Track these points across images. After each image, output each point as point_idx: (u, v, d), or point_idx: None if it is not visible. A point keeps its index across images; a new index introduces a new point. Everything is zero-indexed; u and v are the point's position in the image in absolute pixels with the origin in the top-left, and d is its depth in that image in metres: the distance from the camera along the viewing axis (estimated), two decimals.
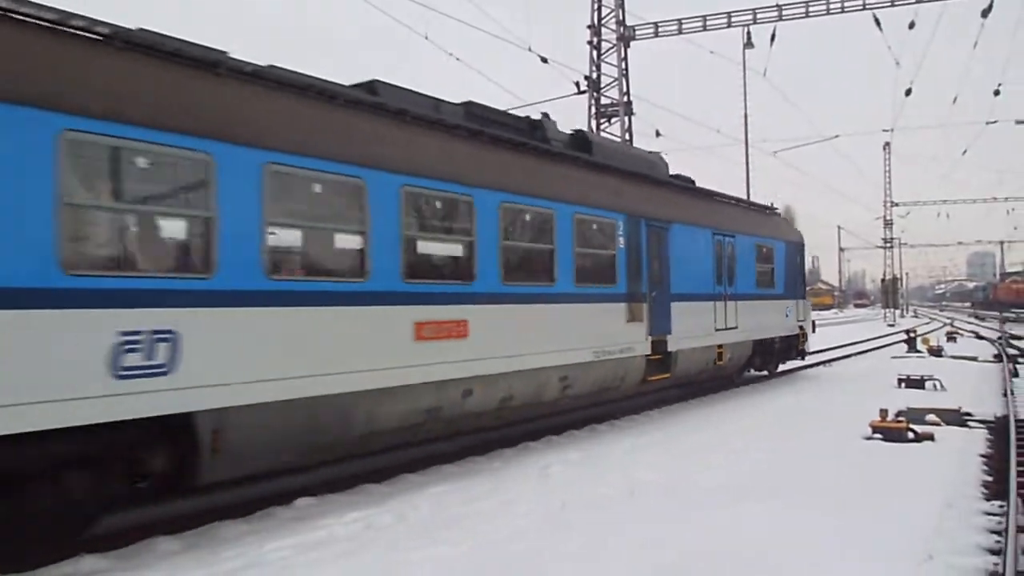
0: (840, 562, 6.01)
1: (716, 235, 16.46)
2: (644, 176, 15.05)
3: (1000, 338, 36.32)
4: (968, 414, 13.11)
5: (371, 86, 10.28)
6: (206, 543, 7.13)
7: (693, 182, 17.44)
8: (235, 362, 7.19)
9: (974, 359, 25.18)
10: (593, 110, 27.39)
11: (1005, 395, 15.90)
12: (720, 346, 16.40)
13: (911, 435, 11.00)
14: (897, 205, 72.27)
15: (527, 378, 10.98)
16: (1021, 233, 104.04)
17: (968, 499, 8.04)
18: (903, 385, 17.28)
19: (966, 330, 45.61)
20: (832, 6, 25.56)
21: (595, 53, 27.34)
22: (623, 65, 27.17)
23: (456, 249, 10.10)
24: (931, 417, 12.21)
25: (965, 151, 61.26)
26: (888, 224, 70.34)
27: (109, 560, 6.72)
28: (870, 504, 7.62)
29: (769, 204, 21.64)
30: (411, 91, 10.78)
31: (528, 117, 13.30)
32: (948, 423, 12.22)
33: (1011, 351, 28.32)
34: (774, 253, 19.47)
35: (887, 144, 68.69)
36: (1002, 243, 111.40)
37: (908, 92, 30.32)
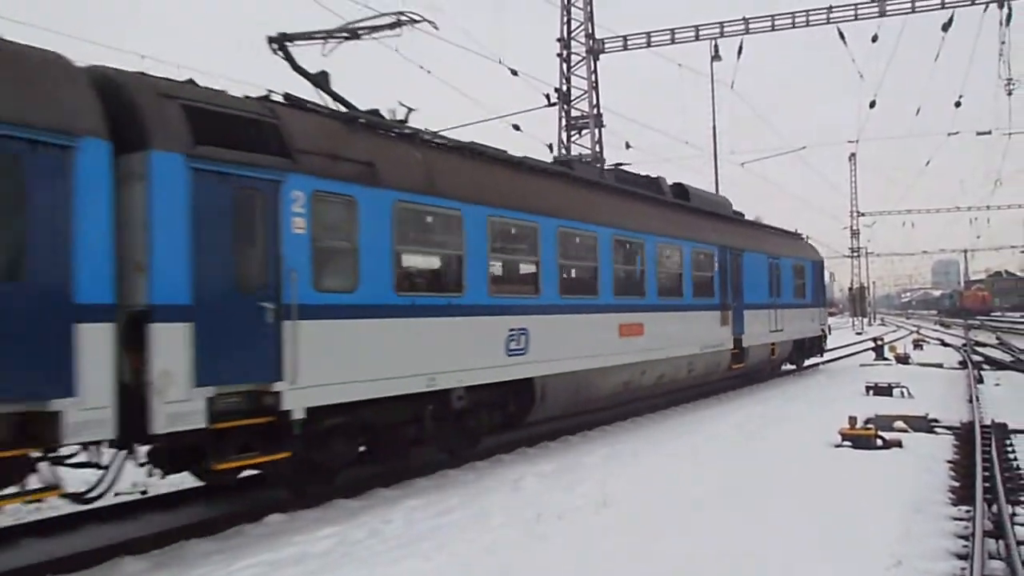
0: (811, 567, 6.07)
1: (769, 258, 21.64)
2: (722, 215, 20.06)
3: (965, 345, 36.94)
4: (935, 421, 13.31)
5: (568, 163, 15.94)
6: (174, 562, 7.02)
7: (743, 215, 22.33)
8: (550, 350, 12.01)
9: (940, 366, 25.57)
10: (563, 122, 27.52)
11: (970, 401, 16.16)
12: (773, 344, 21.50)
13: (879, 442, 11.14)
14: (863, 215, 73.27)
15: (672, 363, 15.89)
16: (984, 242, 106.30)
17: (936, 504, 8.16)
18: (871, 392, 17.50)
19: (932, 337, 46.33)
20: (797, 20, 25.94)
21: (565, 66, 27.50)
22: (593, 78, 27.34)
23: (636, 274, 15.08)
24: (899, 424, 12.38)
25: (928, 162, 62.20)
26: (855, 234, 71.27)
27: None
28: (840, 510, 7.69)
29: (795, 230, 26.71)
30: (589, 164, 18.25)
31: (649, 176, 17.75)
32: (916, 430, 12.40)
33: (976, 358, 28.82)
34: (804, 270, 24.73)
35: (853, 155, 69.69)
36: (965, 251, 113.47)
37: (872, 104, 30.79)
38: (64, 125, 6.29)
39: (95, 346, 6.37)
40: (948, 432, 12.63)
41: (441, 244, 10.65)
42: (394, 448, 10.06)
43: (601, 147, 27.42)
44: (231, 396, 7.60)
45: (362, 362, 8.96)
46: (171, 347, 7.01)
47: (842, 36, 25.63)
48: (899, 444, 11.18)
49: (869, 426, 11.77)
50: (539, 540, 6.98)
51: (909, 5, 24.54)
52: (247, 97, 8.61)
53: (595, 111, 27.28)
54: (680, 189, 18.52)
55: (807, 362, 26.05)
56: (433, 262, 10.80)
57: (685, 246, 16.61)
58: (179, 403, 7.01)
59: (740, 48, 27.38)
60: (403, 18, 10.36)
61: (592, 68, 27.38)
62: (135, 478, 10.42)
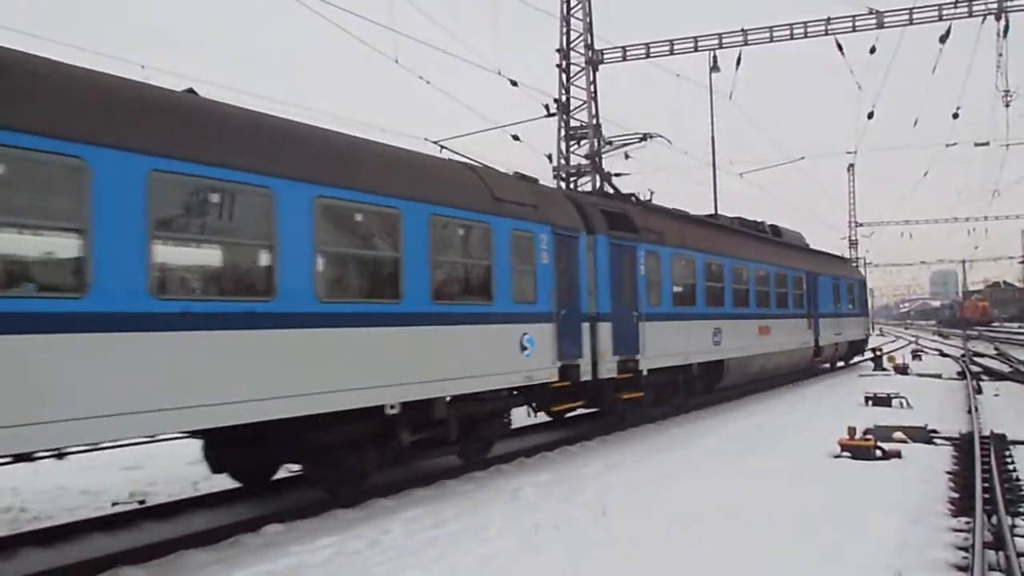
0: None
1: (833, 279, 28.84)
2: (802, 247, 27.70)
3: (964, 356, 36.92)
4: (934, 431, 13.30)
5: (715, 216, 22.64)
6: (172, 572, 7.01)
7: (805, 242, 28.73)
8: (730, 343, 18.58)
9: (939, 376, 25.56)
10: (563, 132, 27.58)
11: (969, 412, 16.15)
12: (836, 343, 28.76)
13: (879, 453, 11.12)
14: (861, 225, 73.32)
15: (783, 355, 22.91)
16: (982, 252, 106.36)
17: (935, 515, 8.14)
18: (870, 403, 17.49)
19: (931, 348, 46.31)
20: (796, 31, 26.03)
21: (564, 76, 27.57)
22: (592, 88, 27.42)
23: (766, 293, 21.68)
24: (898, 435, 12.36)
25: (926, 172, 62.34)
26: (853, 244, 71.33)
27: None
28: (839, 521, 7.68)
29: (841, 254, 35.89)
30: (722, 215, 23.82)
31: (756, 221, 24.76)
32: (915, 440, 12.38)
33: (974, 368, 28.81)
34: (854, 288, 32.46)
35: (851, 165, 69.86)
36: (963, 262, 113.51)
37: (871, 115, 30.88)
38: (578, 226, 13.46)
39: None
40: (947, 443, 12.62)
41: (686, 277, 17.07)
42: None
43: (600, 157, 27.49)
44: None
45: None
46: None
47: (840, 48, 25.73)
48: (898, 455, 11.16)
49: (868, 437, 11.76)
50: (537, 550, 6.96)
51: (907, 17, 24.63)
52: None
53: (594, 121, 27.35)
54: (775, 229, 25.61)
55: (854, 359, 33.71)
56: (716, 290, 18.48)
57: (788, 272, 23.69)
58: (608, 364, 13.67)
59: (739, 59, 27.48)
60: (648, 135, 18.82)
61: (591, 79, 27.46)
62: (132, 487, 10.44)
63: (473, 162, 12.36)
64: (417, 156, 10.82)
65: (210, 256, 7.59)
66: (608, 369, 13.57)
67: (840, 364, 32.25)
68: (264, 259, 7.81)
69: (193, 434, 7.93)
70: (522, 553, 6.92)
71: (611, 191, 17.36)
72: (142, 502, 9.43)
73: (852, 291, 31.72)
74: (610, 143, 19.09)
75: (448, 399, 10.24)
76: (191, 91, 8.09)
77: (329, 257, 8.55)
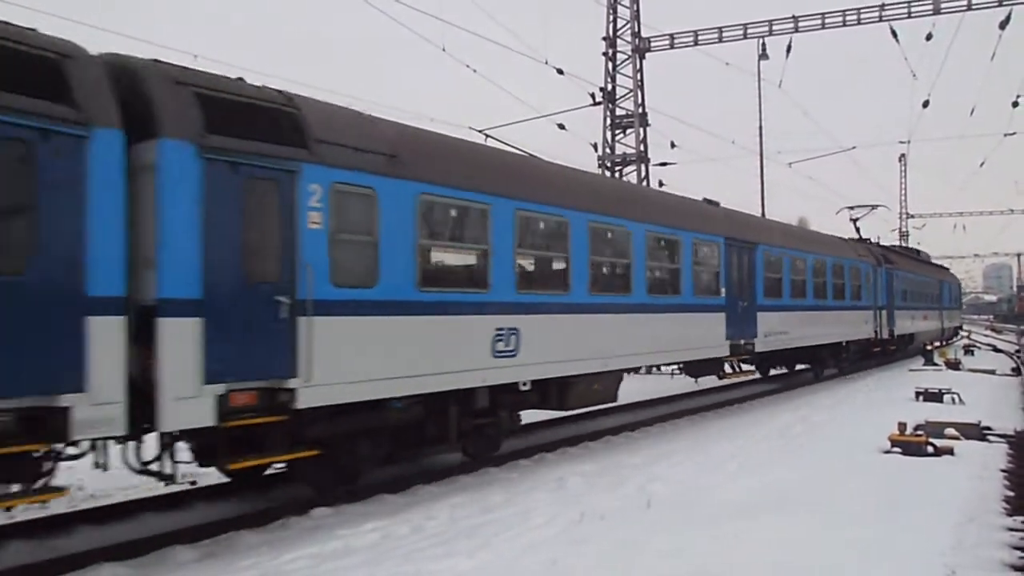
0: None
1: (948, 286, 39.92)
2: (936, 266, 39.18)
3: (1018, 351, 35.97)
4: (987, 428, 12.99)
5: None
6: (223, 552, 7.16)
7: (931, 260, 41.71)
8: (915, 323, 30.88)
9: (992, 372, 24.95)
10: (608, 121, 27.42)
11: None
12: (945, 327, 38.52)
13: (930, 449, 10.90)
14: (913, 217, 71.82)
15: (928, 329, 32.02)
16: None
17: (990, 514, 7.95)
18: (921, 398, 17.12)
19: (983, 343, 45.19)
20: (848, 18, 25.50)
21: (610, 65, 27.39)
22: (638, 76, 27.20)
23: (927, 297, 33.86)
24: (950, 431, 12.09)
25: (983, 163, 60.57)
26: (904, 236, 69.75)
27: (128, 568, 6.76)
28: (890, 518, 7.55)
29: (930, 258, 43.83)
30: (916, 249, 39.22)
31: (915, 250, 38.63)
32: (967, 437, 12.10)
33: None
34: (954, 288, 43.54)
35: (903, 156, 68.35)
36: (1019, 255, 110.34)
37: (926, 104, 30.22)
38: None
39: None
40: (1001, 440, 12.32)
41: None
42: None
43: (646, 146, 27.27)
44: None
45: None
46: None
47: (895, 34, 25.18)
48: (951, 452, 10.93)
49: (919, 432, 11.53)
50: (581, 541, 6.96)
51: (965, 3, 23.95)
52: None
53: (640, 110, 27.14)
54: (926, 255, 38.97)
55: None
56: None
57: (935, 285, 37.26)
58: None
59: (789, 47, 27.04)
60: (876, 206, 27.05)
61: (638, 67, 27.24)
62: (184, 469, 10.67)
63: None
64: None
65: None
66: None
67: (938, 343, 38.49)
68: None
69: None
70: (567, 542, 6.93)
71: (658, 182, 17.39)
72: (193, 483, 9.63)
73: (952, 291, 45.81)
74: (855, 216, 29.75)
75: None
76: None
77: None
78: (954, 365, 26.56)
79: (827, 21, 25.91)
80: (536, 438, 13.06)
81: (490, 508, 8.35)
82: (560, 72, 24.53)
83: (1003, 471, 10.09)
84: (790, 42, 26.80)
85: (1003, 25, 23.44)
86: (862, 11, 25.21)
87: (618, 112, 27.52)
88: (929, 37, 25.20)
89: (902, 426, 11.40)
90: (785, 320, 18.65)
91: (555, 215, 11.31)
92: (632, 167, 27.36)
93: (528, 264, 11.18)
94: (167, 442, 7.17)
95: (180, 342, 6.68)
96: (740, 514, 7.71)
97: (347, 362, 8.11)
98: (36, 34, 6.34)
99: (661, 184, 15.79)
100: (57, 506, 8.42)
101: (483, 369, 9.89)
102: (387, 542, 7.22)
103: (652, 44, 27.53)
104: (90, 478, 10.00)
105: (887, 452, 11.04)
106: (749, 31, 26.90)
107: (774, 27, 26.51)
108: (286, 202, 7.62)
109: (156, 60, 7.28)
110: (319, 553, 6.88)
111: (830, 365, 24.28)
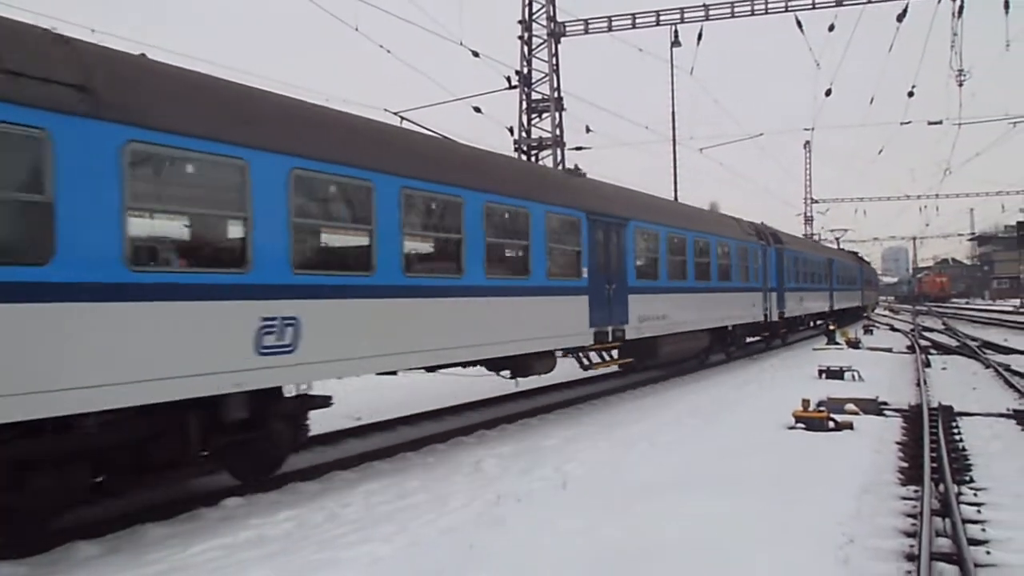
0: (765, 547, 6.18)
1: (860, 269, 52.27)
2: (858, 258, 56.89)
3: (913, 330, 37.85)
4: (885, 403, 13.64)
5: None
6: (128, 547, 6.92)
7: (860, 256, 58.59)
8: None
9: (889, 350, 26.15)
10: (524, 105, 27.45)
11: (918, 385, 16.58)
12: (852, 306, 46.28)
13: (831, 424, 11.38)
14: (817, 202, 74.58)
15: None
16: (932, 229, 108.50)
17: (886, 484, 8.37)
18: (823, 376, 17.83)
19: (882, 323, 47.37)
20: (756, 7, 26.15)
21: (526, 49, 27.40)
22: (554, 61, 27.29)
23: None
24: (850, 407, 12.64)
25: (881, 150, 63.69)
26: (809, 220, 72.47)
27: (25, 567, 6.46)
28: (794, 491, 7.85)
29: (853, 252, 55.85)
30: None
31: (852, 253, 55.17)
32: (866, 412, 12.68)
33: (923, 343, 29.55)
34: (866, 272, 55.13)
35: (808, 143, 70.85)
36: (914, 239, 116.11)
37: (828, 92, 31.20)
38: None
39: None
40: (897, 415, 12.95)
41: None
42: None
43: (561, 131, 27.43)
44: None
45: None
46: None
47: (799, 24, 25.93)
48: (851, 426, 11.43)
49: (822, 409, 12.02)
50: (498, 523, 7.00)
51: None
52: None
53: (556, 94, 27.25)
54: (853, 254, 52.95)
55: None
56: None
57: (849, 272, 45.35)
58: None
59: (700, 34, 27.56)
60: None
61: (553, 51, 27.33)
62: None
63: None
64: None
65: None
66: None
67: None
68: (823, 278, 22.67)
69: None
70: (484, 525, 6.95)
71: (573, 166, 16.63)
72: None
73: (865, 274, 53.73)
74: None
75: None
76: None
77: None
78: (854, 344, 27.75)
79: (736, 10, 26.52)
80: (453, 422, 13.07)
81: (407, 493, 8.32)
82: (475, 55, 24.41)
83: (898, 443, 10.62)
84: (701, 30, 27.35)
85: (900, 18, 24.42)
86: (769, 1, 25.91)
87: (534, 96, 27.59)
88: (832, 28, 26.07)
89: (805, 403, 11.86)
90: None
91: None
92: (548, 151, 27.50)
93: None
94: None
95: None
96: (652, 492, 7.89)
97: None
98: None
99: (577, 168, 15.26)
100: None
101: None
102: (302, 530, 7.11)
103: (567, 29, 27.66)
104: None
105: (792, 428, 11.46)
106: (662, 18, 27.30)
107: (686, 15, 26.97)
108: None
109: None
110: (231, 544, 6.72)
111: (716, 351, 22.24)
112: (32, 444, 6.38)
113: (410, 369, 10.59)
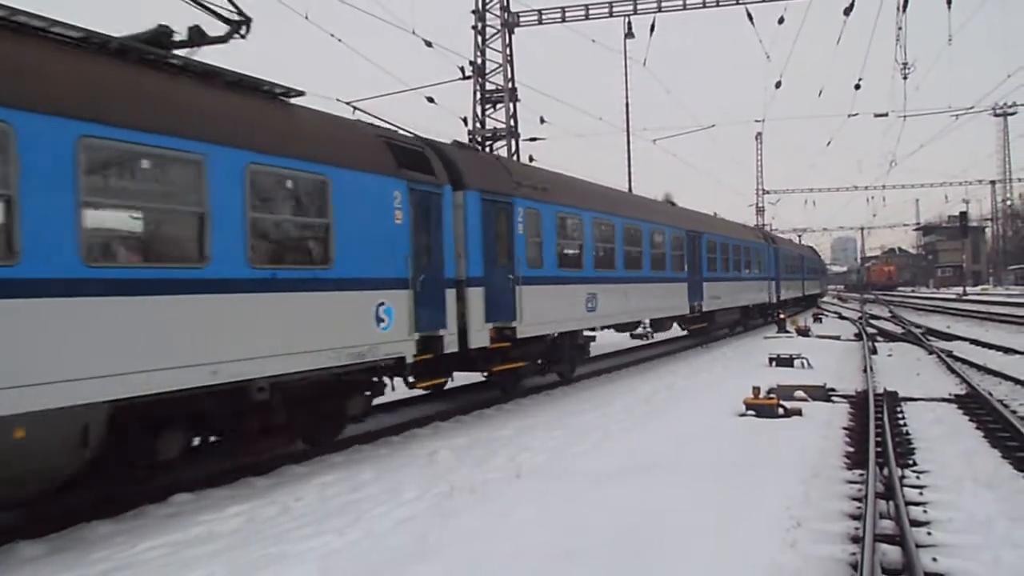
0: (715, 532, 6.27)
1: (811, 260, 56.00)
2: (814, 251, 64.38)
3: (860, 318, 38.71)
4: (832, 390, 13.94)
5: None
6: (73, 545, 6.75)
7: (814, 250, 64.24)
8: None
9: (837, 338, 26.71)
10: (478, 96, 27.36)
11: (865, 371, 16.96)
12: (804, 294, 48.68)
13: (781, 411, 11.59)
14: (768, 192, 75.86)
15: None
16: (879, 220, 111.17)
17: (832, 469, 8.55)
18: (774, 364, 18.16)
19: (830, 311, 48.36)
20: (708, 0, 26.41)
21: (479, 39, 27.29)
22: (507, 51, 27.24)
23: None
24: (799, 393, 12.90)
25: (829, 142, 64.92)
26: (760, 211, 73.65)
27: None
28: (744, 477, 7.98)
29: (812, 246, 63.33)
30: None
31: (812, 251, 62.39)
32: (814, 399, 12.94)
33: (870, 330, 30.24)
34: (803, 260, 49.66)
35: (759, 134, 71.95)
36: (862, 229, 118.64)
37: (778, 84, 31.71)
38: None
39: None
40: (844, 401, 13.24)
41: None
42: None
43: (516, 121, 27.40)
44: None
45: None
46: None
47: (750, 17, 26.24)
48: (799, 412, 11.66)
49: (771, 396, 12.23)
50: (452, 513, 6.99)
51: None
52: None
53: (510, 85, 27.21)
54: (812, 250, 60.72)
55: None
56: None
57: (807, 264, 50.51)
58: None
59: (652, 25, 27.70)
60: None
61: (507, 41, 27.27)
62: None
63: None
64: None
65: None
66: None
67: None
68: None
69: None
70: (437, 516, 6.95)
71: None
72: None
73: (803, 261, 49.77)
74: None
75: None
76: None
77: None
78: (804, 332, 28.28)
79: (688, 2, 26.73)
80: (407, 414, 13.01)
81: (360, 485, 8.26)
82: (429, 44, 24.23)
83: (844, 429, 10.86)
84: (653, 21, 27.50)
85: (847, 11, 24.82)
86: None
87: (488, 87, 27.51)
88: (781, 21, 26.47)
89: (756, 390, 12.06)
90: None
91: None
92: (502, 142, 27.45)
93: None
94: None
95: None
96: (605, 480, 7.96)
97: None
98: None
99: (532, 159, 15.09)
100: None
101: None
102: (253, 525, 7.02)
103: (521, 19, 27.62)
104: None
105: (742, 415, 11.65)
106: (615, 9, 27.41)
107: (639, 6, 27.12)
108: None
109: None
110: (180, 540, 6.61)
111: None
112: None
113: None
